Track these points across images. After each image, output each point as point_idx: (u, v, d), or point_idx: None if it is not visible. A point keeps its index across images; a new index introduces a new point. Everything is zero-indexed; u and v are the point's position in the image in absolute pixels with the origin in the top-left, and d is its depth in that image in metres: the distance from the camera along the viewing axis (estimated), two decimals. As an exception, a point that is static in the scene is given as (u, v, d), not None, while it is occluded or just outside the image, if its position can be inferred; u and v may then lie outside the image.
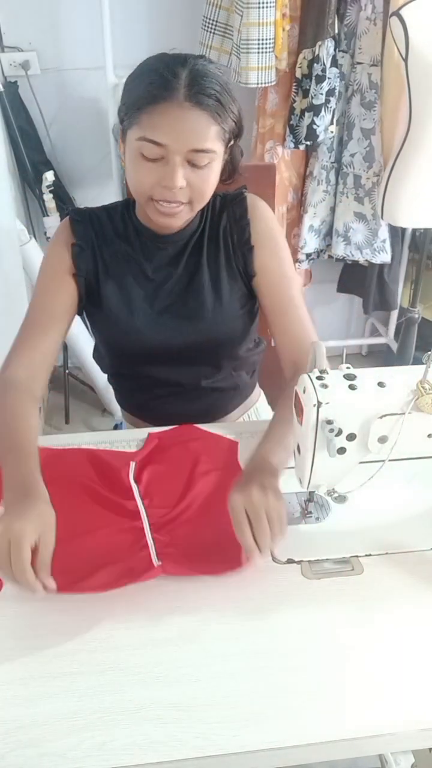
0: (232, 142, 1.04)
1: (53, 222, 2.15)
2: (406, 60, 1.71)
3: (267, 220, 1.13)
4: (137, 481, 0.97)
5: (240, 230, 1.11)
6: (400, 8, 1.67)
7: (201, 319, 1.10)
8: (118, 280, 1.11)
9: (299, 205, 2.26)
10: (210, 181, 1.01)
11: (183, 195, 0.99)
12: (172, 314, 1.11)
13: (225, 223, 1.12)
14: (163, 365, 1.15)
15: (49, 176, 2.07)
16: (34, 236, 2.19)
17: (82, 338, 2.16)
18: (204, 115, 0.94)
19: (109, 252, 1.11)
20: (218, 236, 1.12)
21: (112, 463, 1.00)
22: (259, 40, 1.85)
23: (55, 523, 0.79)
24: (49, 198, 2.10)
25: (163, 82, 0.93)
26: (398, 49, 1.72)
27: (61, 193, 2.22)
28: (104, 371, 1.26)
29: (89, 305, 1.12)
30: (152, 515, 0.91)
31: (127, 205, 1.14)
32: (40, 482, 0.84)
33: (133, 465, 0.99)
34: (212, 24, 1.94)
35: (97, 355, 1.24)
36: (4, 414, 0.97)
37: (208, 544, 0.85)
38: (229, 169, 1.09)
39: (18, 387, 1.00)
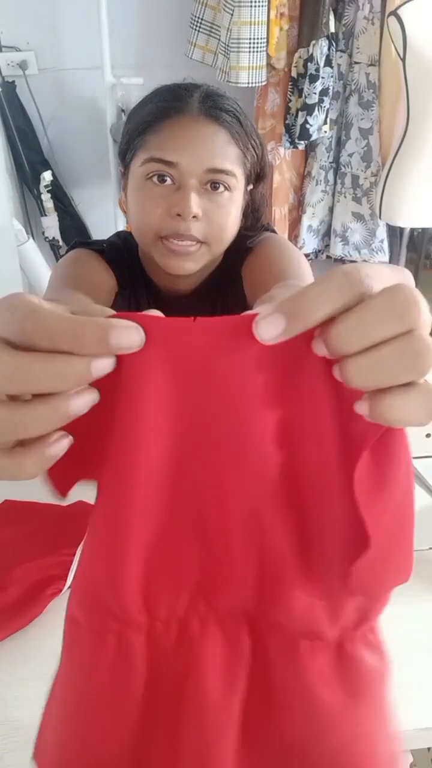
0: (252, 186, 0.86)
1: (51, 222, 2.15)
2: (403, 59, 1.71)
3: (301, 262, 0.92)
4: None
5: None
6: (397, 8, 1.67)
7: None
8: None
9: (299, 206, 2.26)
10: (231, 214, 0.81)
11: (198, 230, 0.79)
12: None
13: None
14: None
15: (46, 176, 2.07)
16: (32, 236, 2.19)
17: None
18: (221, 131, 0.78)
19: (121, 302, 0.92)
20: (242, 292, 0.90)
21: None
22: (250, 39, 1.83)
23: None
24: (47, 198, 2.10)
25: (174, 96, 0.79)
26: (396, 48, 1.72)
27: (59, 193, 2.22)
28: None
29: None
30: None
31: (127, 244, 0.94)
32: None
33: None
34: (198, 22, 1.94)
35: None
36: None
37: None
38: (252, 218, 0.90)
39: None
